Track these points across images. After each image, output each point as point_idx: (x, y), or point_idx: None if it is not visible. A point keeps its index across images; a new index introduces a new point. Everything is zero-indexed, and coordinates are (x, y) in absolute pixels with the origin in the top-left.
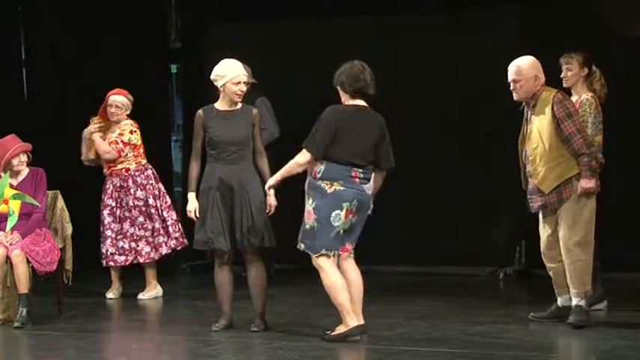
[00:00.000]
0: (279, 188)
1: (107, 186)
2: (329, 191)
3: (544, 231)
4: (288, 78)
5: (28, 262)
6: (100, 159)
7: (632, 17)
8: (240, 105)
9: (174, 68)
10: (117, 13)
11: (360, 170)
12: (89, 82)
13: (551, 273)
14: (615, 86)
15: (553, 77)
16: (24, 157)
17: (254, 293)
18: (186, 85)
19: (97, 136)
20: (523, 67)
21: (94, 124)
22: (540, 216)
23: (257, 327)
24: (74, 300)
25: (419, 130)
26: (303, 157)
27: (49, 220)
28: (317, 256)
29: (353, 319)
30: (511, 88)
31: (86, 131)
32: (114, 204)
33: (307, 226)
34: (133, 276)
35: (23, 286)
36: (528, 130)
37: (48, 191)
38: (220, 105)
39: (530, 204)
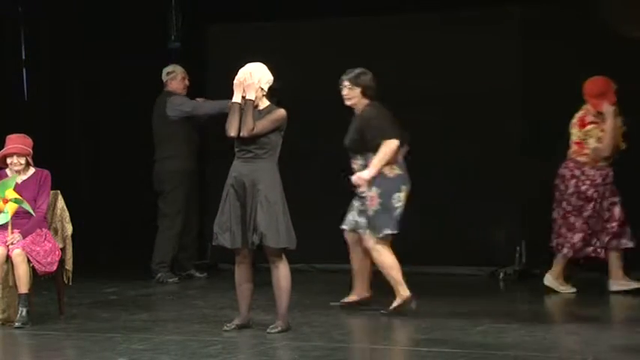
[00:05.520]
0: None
1: None
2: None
3: None
4: (288, 78)
5: (29, 261)
6: None
7: (633, 17)
8: (265, 105)
9: None
10: (117, 13)
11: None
12: (89, 82)
13: None
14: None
15: (552, 75)
16: (19, 160)
17: (275, 294)
18: None
19: None
20: None
21: None
22: None
23: (273, 328)
24: (74, 300)
25: (419, 129)
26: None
27: (49, 220)
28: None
29: (406, 290)
30: None
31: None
32: None
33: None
34: (132, 275)
35: (23, 286)
36: None
37: None
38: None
39: None
